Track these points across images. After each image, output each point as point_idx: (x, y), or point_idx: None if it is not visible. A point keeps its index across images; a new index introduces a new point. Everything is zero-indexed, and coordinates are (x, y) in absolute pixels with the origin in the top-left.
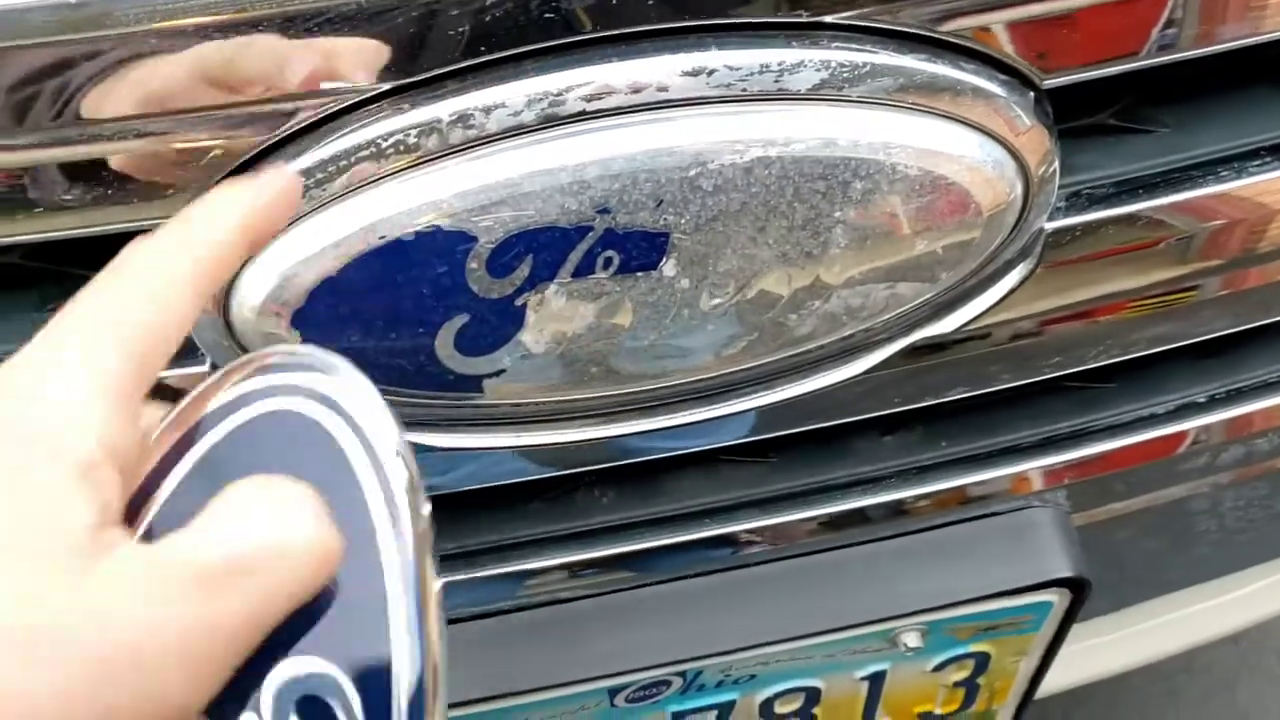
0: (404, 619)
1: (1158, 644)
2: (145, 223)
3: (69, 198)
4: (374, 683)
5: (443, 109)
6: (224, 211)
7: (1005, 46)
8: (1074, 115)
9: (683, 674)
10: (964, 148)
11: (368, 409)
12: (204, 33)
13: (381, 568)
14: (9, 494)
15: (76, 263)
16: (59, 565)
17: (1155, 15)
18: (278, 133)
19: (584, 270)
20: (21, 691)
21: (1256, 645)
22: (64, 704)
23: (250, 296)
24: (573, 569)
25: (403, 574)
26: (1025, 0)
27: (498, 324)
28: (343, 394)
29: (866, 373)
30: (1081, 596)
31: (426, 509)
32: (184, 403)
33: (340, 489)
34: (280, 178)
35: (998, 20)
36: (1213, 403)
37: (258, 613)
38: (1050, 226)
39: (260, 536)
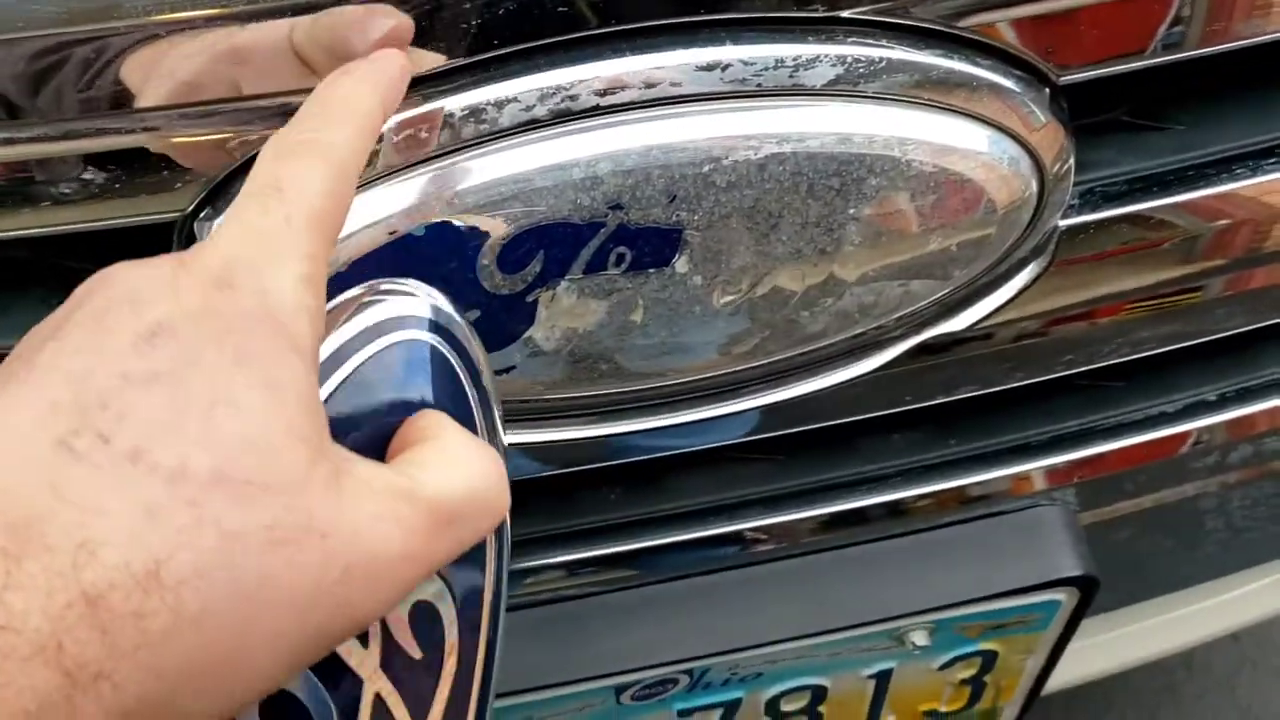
0: (493, 551)
1: (1160, 642)
2: (152, 217)
3: (72, 191)
4: (470, 595)
5: (454, 103)
6: (393, 61)
7: (1021, 42)
8: (1089, 112)
9: (689, 672)
10: (979, 144)
11: (472, 344)
12: (212, 25)
13: None
14: (264, 390)
15: (81, 257)
16: (316, 470)
17: (1168, 12)
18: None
19: (596, 266)
20: (278, 577)
21: (1257, 642)
22: (314, 597)
23: None
24: (578, 566)
25: None
26: None
27: (508, 320)
28: (454, 326)
29: (876, 370)
30: (1090, 595)
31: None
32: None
33: (461, 415)
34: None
35: (1014, 16)
36: (1224, 401)
37: (454, 553)
38: (1064, 224)
39: (476, 490)
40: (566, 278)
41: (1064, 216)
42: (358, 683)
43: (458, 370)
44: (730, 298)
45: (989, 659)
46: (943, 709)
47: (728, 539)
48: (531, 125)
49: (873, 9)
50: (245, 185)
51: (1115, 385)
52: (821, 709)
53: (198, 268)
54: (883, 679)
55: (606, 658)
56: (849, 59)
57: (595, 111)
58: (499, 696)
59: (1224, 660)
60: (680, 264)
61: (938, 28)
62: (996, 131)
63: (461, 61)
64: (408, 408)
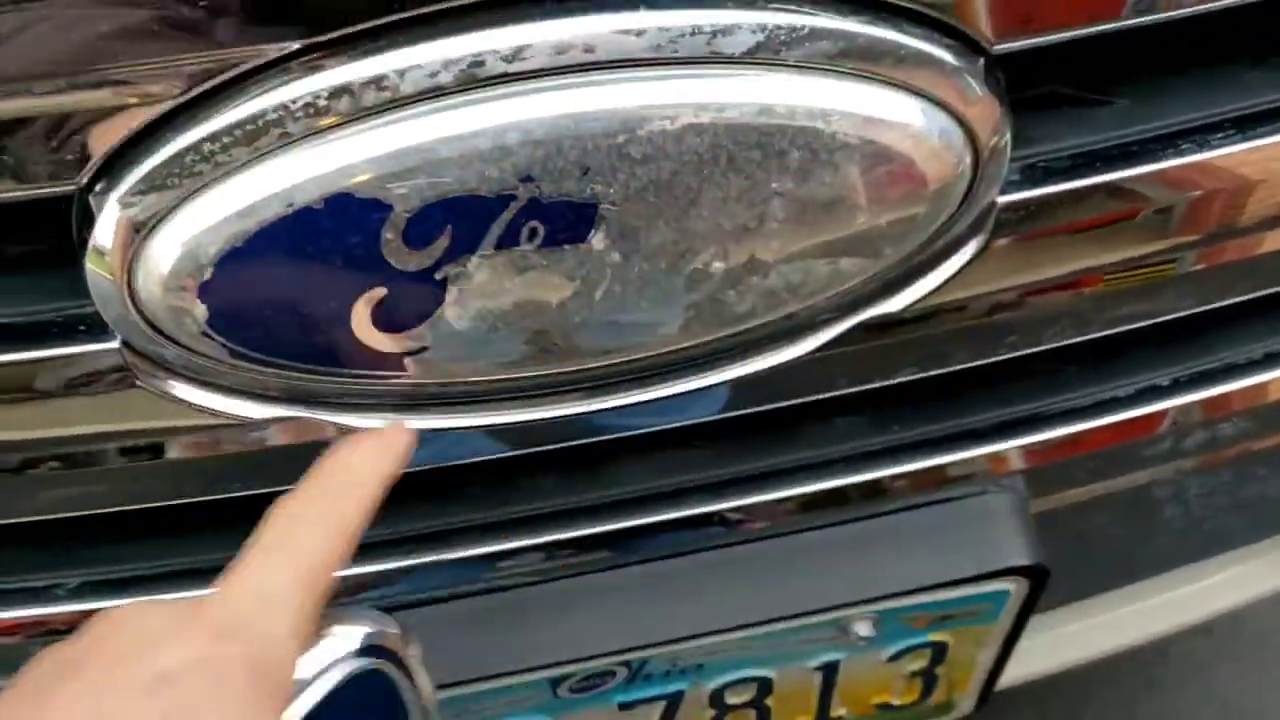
0: None
1: (1126, 633)
2: (49, 191)
3: None
4: None
5: (355, 70)
6: (399, 438)
7: (954, 10)
8: (1029, 85)
9: (627, 664)
10: (908, 116)
11: (419, 668)
12: None
13: None
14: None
15: None
16: None
17: None
18: (184, 95)
19: (507, 242)
20: None
21: (1232, 632)
22: None
23: (156, 268)
24: (511, 555)
25: None
26: None
27: (417, 299)
28: (405, 654)
29: (813, 353)
30: (1040, 585)
31: None
32: None
33: None
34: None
35: None
36: (1176, 386)
37: None
38: (1003, 200)
39: None
40: (477, 254)
41: (1003, 192)
42: None
43: (404, 698)
44: (651, 276)
45: (939, 651)
46: (895, 702)
47: (665, 526)
48: (436, 93)
49: None
50: (258, 536)
51: (1065, 369)
52: (769, 701)
53: (205, 618)
54: (830, 671)
55: (539, 648)
56: (770, 26)
57: (503, 79)
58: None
59: (1200, 653)
60: (597, 240)
61: None
62: (927, 103)
63: (363, 26)
64: None
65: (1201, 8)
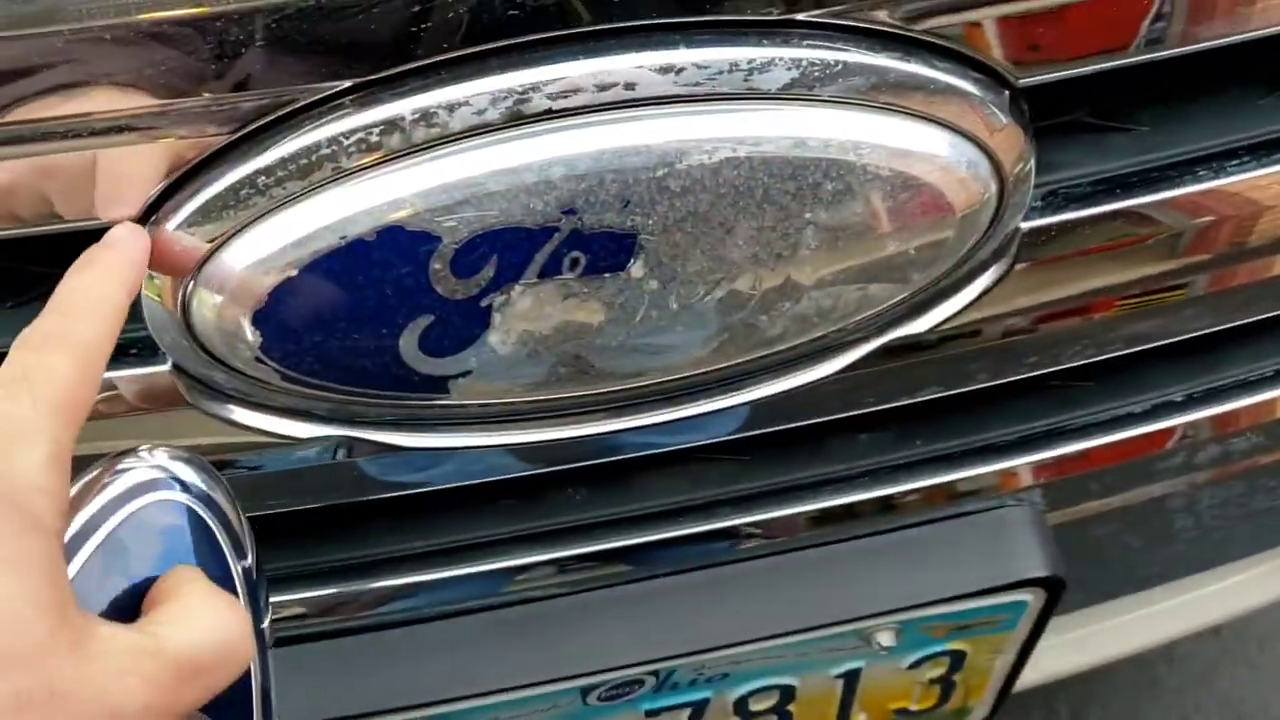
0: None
1: (1139, 637)
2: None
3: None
4: None
5: (405, 106)
6: (131, 245)
7: (980, 45)
8: (1051, 113)
9: (655, 673)
10: (937, 147)
11: (226, 505)
12: (162, 29)
13: None
14: (7, 567)
15: (37, 260)
16: (59, 637)
17: (1131, 14)
18: (239, 131)
19: (550, 271)
20: None
21: (1238, 634)
22: None
23: (211, 296)
24: (544, 567)
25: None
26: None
27: (463, 325)
28: (201, 481)
29: (840, 373)
30: (1056, 596)
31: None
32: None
33: (213, 570)
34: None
35: (972, 18)
36: (1190, 402)
37: (202, 699)
38: (1026, 226)
39: (218, 641)
40: (521, 282)
41: (1026, 219)
42: None
43: (208, 522)
44: (687, 302)
45: (957, 659)
46: (913, 708)
47: (694, 540)
48: (483, 129)
49: (828, 12)
50: None
51: (1082, 385)
52: (791, 708)
53: None
54: (851, 678)
55: (571, 659)
56: (804, 62)
57: (548, 115)
58: (464, 699)
59: (1205, 653)
60: (636, 269)
61: (895, 30)
62: (955, 135)
63: (413, 65)
64: (159, 565)
65: (1212, 44)
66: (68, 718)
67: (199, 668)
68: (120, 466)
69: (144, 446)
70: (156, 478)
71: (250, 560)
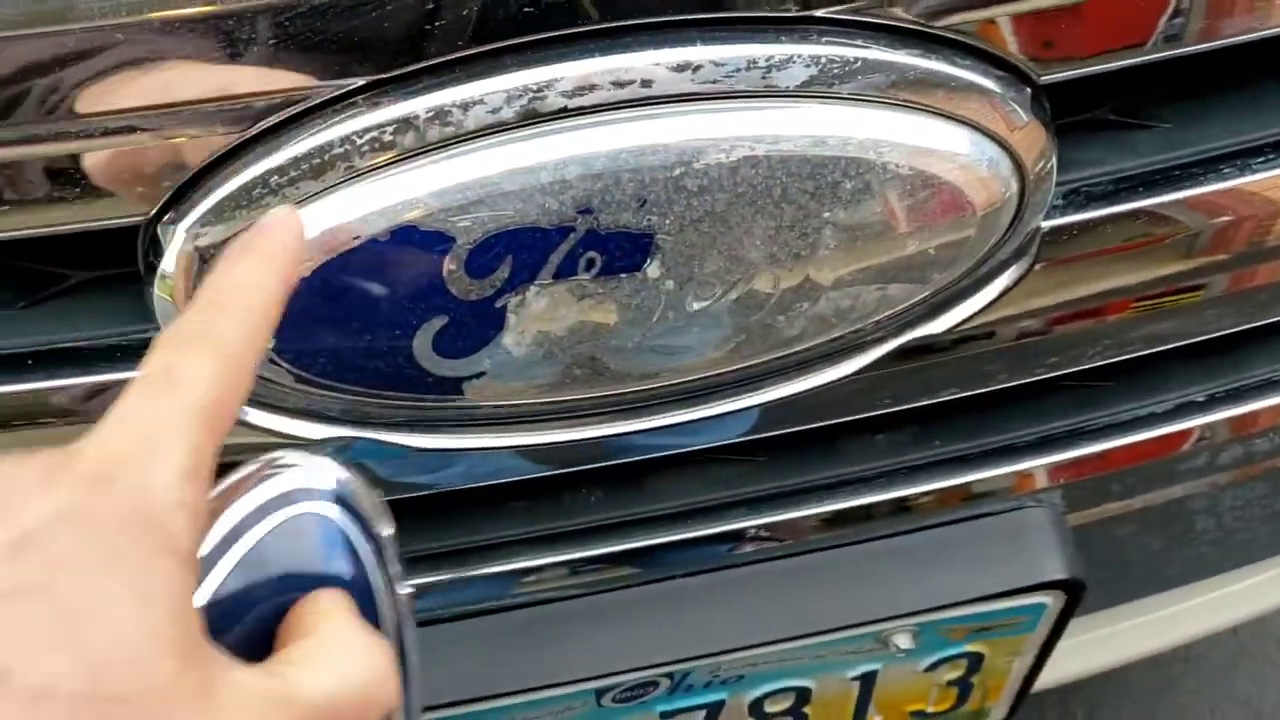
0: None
1: (1158, 637)
2: (120, 220)
3: (40, 196)
4: None
5: (419, 105)
6: (288, 230)
7: (1001, 41)
8: (1073, 110)
9: (670, 675)
10: (958, 145)
11: (373, 513)
12: (174, 27)
13: None
14: (134, 600)
15: (52, 260)
16: (184, 681)
17: (1153, 9)
18: (251, 129)
19: (565, 272)
20: None
21: (1255, 633)
22: None
23: None
24: (559, 569)
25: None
26: None
27: (477, 326)
28: (351, 495)
29: (857, 374)
30: (1076, 598)
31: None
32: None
33: (359, 587)
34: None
35: (994, 15)
36: (1212, 402)
37: None
38: (1047, 225)
39: (357, 687)
40: (535, 283)
41: (1047, 217)
42: None
43: (358, 546)
44: (704, 302)
45: (975, 661)
46: (930, 709)
47: (710, 541)
48: (498, 128)
49: (847, 8)
50: (136, 374)
51: (1103, 386)
52: (806, 710)
53: (75, 465)
54: (868, 680)
55: (587, 661)
56: (823, 59)
57: (563, 114)
58: (479, 700)
59: (1222, 653)
60: (652, 269)
61: (915, 27)
62: (975, 132)
63: (427, 63)
64: (303, 584)
65: (1236, 39)
66: None
67: (332, 713)
68: (268, 471)
69: (284, 452)
70: (306, 487)
71: (399, 574)
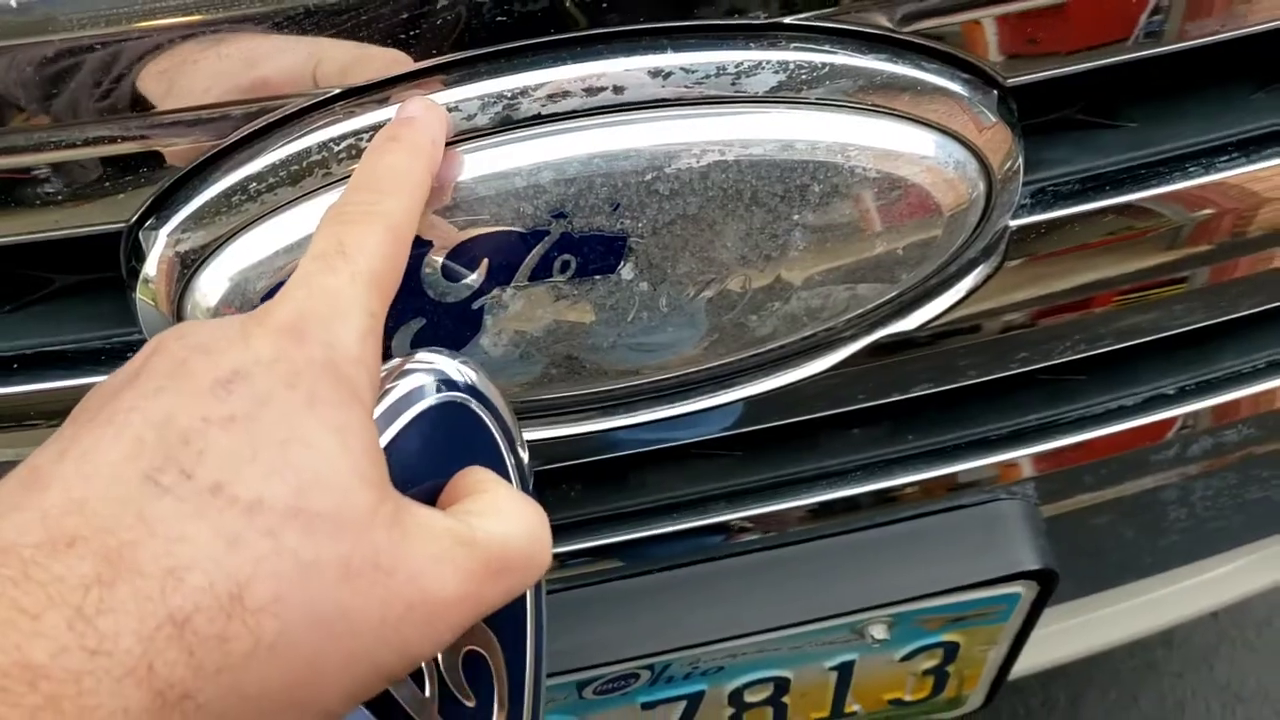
0: (532, 607)
1: (1138, 623)
2: (103, 227)
3: (24, 204)
4: (515, 649)
5: (394, 112)
6: (432, 121)
7: (967, 45)
8: (1040, 111)
9: (650, 667)
10: (924, 148)
11: (502, 409)
12: (152, 35)
13: None
14: (333, 434)
15: (35, 264)
16: (381, 510)
17: (1121, 13)
18: (227, 138)
19: (541, 274)
20: (348, 609)
21: (1236, 619)
22: (379, 631)
23: (204, 300)
24: None
25: None
26: (987, 1)
27: (455, 327)
28: (487, 391)
29: (830, 370)
30: (1049, 588)
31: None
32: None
33: (498, 467)
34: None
35: (959, 20)
36: (1182, 394)
37: (503, 600)
38: (1015, 224)
39: (525, 542)
40: (512, 285)
41: (1015, 216)
42: None
43: (494, 432)
44: (677, 303)
45: (951, 650)
46: (907, 698)
47: (688, 534)
48: (473, 133)
49: (815, 15)
50: (310, 248)
51: (1075, 379)
52: (785, 700)
53: (269, 321)
54: (845, 670)
55: (567, 654)
56: (791, 65)
57: (537, 120)
58: None
59: (1203, 637)
60: (626, 271)
61: (881, 32)
62: (942, 135)
63: (402, 70)
64: (454, 464)
65: (1207, 39)
66: (386, 593)
67: (507, 564)
68: (412, 365)
69: (438, 351)
70: (449, 378)
71: (529, 467)
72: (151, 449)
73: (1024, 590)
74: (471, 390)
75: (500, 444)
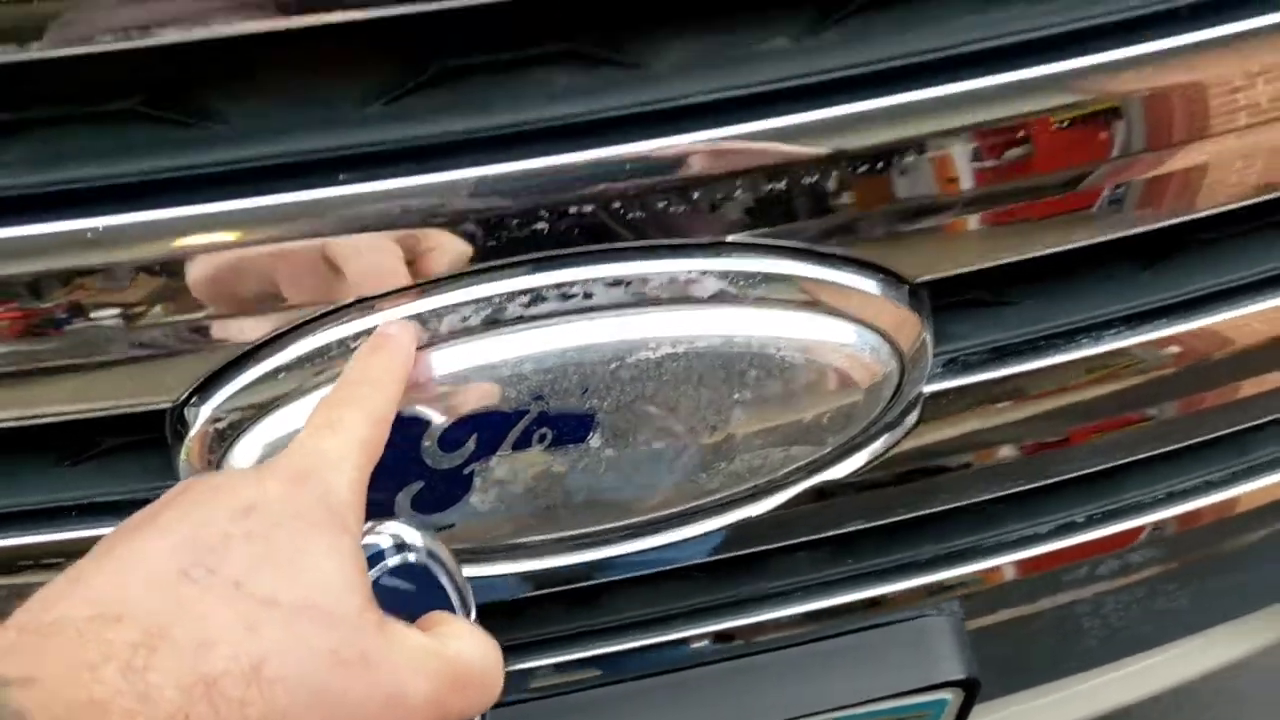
0: None
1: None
2: (155, 405)
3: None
4: None
5: (399, 314)
6: (407, 336)
7: (880, 254)
8: (949, 293)
9: None
10: (845, 337)
11: (453, 566)
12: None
13: None
14: (330, 554)
15: (91, 429)
16: (368, 615)
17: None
18: (264, 336)
19: (522, 444)
20: (341, 690)
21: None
22: (362, 713)
23: (241, 464)
24: (515, 676)
25: None
26: (897, 221)
27: (449, 489)
28: (441, 552)
29: (772, 511)
30: (973, 694)
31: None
32: None
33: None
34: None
35: (872, 236)
36: (1090, 522)
37: (460, 715)
38: (928, 390)
39: (487, 665)
40: (497, 454)
41: (928, 383)
42: None
43: (444, 582)
44: (638, 466)
45: None
46: None
47: (655, 649)
48: (466, 332)
49: (753, 234)
50: (308, 421)
51: (995, 508)
52: None
53: (277, 471)
54: None
55: None
56: (732, 273)
57: (520, 320)
58: None
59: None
60: (594, 441)
61: (809, 247)
62: (859, 325)
63: (410, 283)
64: (415, 608)
65: (1109, 236)
66: (370, 683)
67: (470, 680)
68: (371, 530)
69: (382, 522)
70: (410, 543)
71: (473, 609)
72: (183, 552)
73: (951, 696)
74: (429, 554)
75: (453, 597)
